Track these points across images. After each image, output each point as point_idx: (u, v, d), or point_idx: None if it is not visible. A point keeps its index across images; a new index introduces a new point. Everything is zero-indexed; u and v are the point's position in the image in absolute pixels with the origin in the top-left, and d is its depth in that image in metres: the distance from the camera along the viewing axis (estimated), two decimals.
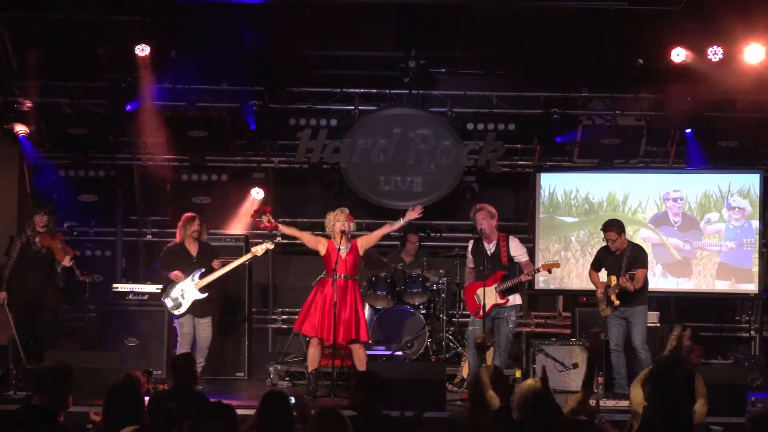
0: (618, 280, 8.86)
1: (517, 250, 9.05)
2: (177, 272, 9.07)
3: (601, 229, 9.12)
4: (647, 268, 9.05)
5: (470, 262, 9.16)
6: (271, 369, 9.68)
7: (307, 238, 9.05)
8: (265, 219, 8.95)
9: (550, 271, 9.45)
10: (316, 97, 11.31)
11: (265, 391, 5.19)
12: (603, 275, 9.18)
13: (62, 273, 9.44)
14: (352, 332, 8.69)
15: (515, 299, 8.96)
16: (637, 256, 8.97)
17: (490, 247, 8.98)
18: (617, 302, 8.89)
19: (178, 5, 10.26)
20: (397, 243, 11.01)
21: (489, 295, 8.77)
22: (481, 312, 8.79)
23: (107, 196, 11.40)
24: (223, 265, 9.21)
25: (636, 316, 8.92)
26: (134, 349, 9.73)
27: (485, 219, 8.93)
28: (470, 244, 9.21)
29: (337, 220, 8.77)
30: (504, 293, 8.85)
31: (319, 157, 11.16)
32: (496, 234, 9.01)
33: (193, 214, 9.36)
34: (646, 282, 9.01)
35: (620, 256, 8.97)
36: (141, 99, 10.86)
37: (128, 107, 10.90)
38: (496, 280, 8.85)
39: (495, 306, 8.80)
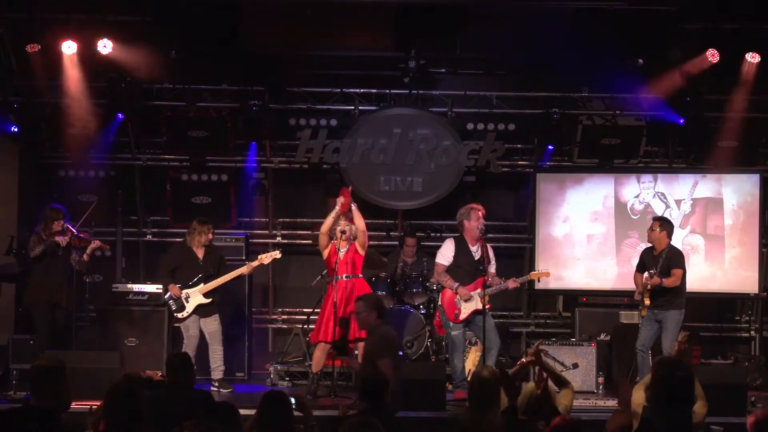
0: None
1: (493, 257, 9.17)
2: (174, 289, 9.22)
3: (653, 218, 9.30)
4: (683, 270, 8.97)
5: (446, 260, 9.08)
6: (271, 369, 9.70)
7: (326, 236, 9.01)
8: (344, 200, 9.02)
9: (538, 279, 9.49)
10: (316, 97, 11.30)
11: (265, 391, 5.20)
12: None
13: (83, 264, 9.55)
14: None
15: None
16: (672, 257, 8.95)
17: (474, 250, 8.99)
18: (647, 302, 8.85)
19: (178, 5, 10.25)
20: (396, 243, 11.02)
21: (471, 301, 8.82)
22: (460, 317, 8.92)
23: (107, 196, 11.39)
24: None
25: (668, 320, 8.84)
26: (134, 349, 9.75)
27: (480, 219, 8.94)
28: (452, 243, 9.12)
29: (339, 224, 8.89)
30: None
31: (319, 157, 11.15)
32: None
33: (206, 224, 9.45)
34: (681, 286, 8.94)
35: (658, 256, 8.97)
36: None
37: None
38: (478, 285, 8.86)
39: (474, 312, 8.87)
